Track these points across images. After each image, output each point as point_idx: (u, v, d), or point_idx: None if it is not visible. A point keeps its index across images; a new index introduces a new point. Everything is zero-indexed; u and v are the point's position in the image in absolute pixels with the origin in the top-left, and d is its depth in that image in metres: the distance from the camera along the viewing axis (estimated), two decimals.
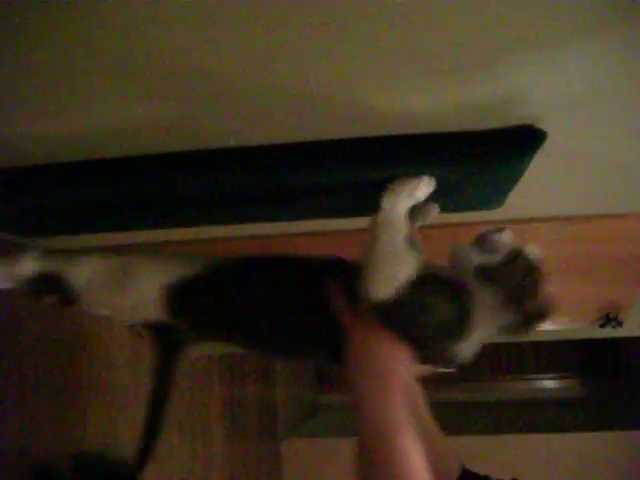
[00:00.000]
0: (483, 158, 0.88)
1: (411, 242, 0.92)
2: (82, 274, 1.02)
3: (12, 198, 1.02)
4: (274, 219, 1.21)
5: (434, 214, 1.03)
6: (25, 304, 1.31)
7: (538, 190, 1.15)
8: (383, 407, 0.84)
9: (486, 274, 0.88)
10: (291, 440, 3.49)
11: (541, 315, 0.87)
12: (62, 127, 0.83)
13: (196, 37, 0.63)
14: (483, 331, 0.89)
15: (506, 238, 0.90)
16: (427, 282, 0.88)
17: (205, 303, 1.01)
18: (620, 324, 1.94)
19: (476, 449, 3.03)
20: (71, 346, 1.66)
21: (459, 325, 0.88)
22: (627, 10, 0.61)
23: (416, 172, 0.89)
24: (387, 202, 0.89)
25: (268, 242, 1.42)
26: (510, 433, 3.60)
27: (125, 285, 1.01)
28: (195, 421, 2.37)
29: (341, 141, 0.88)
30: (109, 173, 0.95)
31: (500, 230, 0.90)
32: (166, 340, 1.07)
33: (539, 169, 0.96)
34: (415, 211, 0.97)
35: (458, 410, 3.98)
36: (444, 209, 1.04)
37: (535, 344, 4.19)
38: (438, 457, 0.97)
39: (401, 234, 0.89)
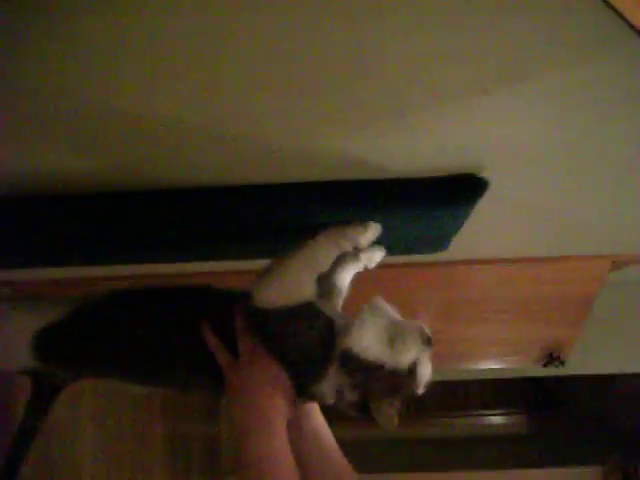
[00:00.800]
0: (426, 205, 0.90)
1: (328, 285, 0.96)
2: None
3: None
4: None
5: (379, 258, 1.03)
6: None
7: (482, 233, 1.17)
8: (260, 443, 0.86)
9: (347, 363, 0.88)
10: (234, 477, 3.42)
11: (374, 419, 0.88)
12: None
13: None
14: (329, 386, 0.89)
15: (414, 351, 0.88)
16: (310, 313, 0.89)
17: (74, 344, 1.00)
18: (562, 363, 1.98)
19: None
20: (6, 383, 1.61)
21: (318, 364, 0.88)
22: (568, 55, 0.62)
23: (361, 215, 0.90)
24: (322, 235, 0.90)
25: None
26: (456, 470, 3.59)
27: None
28: (136, 456, 2.31)
29: (289, 185, 0.89)
30: (81, 208, 0.94)
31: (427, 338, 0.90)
32: (43, 384, 1.06)
33: (482, 214, 0.98)
34: (362, 254, 0.99)
35: (403, 446, 3.96)
36: (389, 252, 1.05)
37: (481, 381, 4.22)
38: (332, 472, 0.98)
39: (316, 263, 0.89)
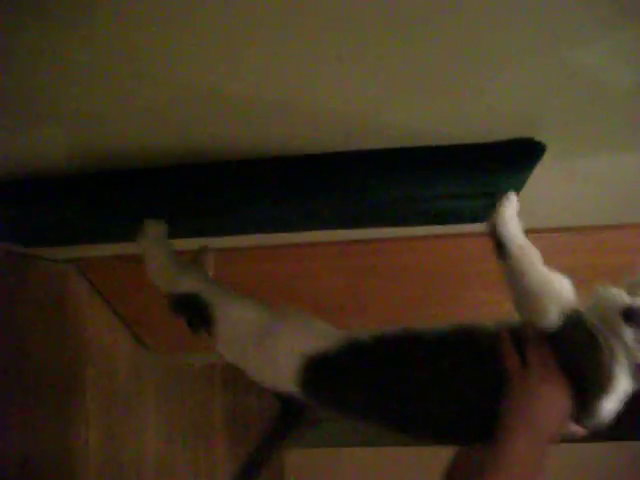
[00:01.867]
0: (483, 171, 0.88)
1: None
2: (231, 315, 0.98)
3: (18, 209, 1.03)
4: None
5: None
6: (29, 317, 1.31)
7: (538, 202, 1.15)
8: (527, 453, 0.83)
9: (636, 317, 0.85)
10: (294, 450, 3.47)
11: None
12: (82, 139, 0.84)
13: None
14: (623, 385, 0.87)
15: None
16: (581, 317, 0.88)
17: (346, 381, 0.94)
18: None
19: None
20: (75, 356, 1.67)
21: (610, 372, 0.85)
22: (628, 18, 0.61)
23: (414, 183, 0.90)
24: (502, 220, 0.89)
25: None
26: None
27: (263, 342, 0.95)
28: (198, 429, 2.37)
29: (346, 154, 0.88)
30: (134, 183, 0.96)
31: None
32: (293, 410, 1.02)
33: (538, 181, 0.96)
34: None
35: None
36: (446, 222, 1.04)
37: None
38: None
39: (536, 256, 0.89)
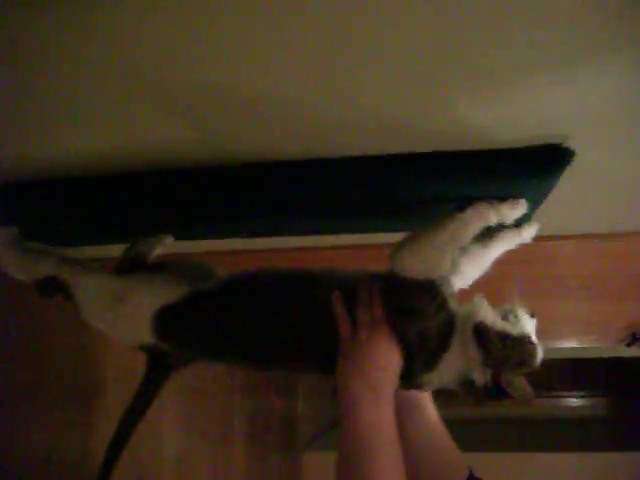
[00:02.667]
0: (511, 176, 0.88)
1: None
2: (86, 288, 1.07)
3: (41, 208, 1.05)
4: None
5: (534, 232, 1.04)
6: (49, 318, 1.32)
7: (565, 207, 1.14)
8: (369, 413, 0.87)
9: (483, 335, 0.90)
10: (311, 453, 3.48)
11: (507, 395, 0.90)
12: (95, 141, 0.85)
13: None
14: (447, 373, 0.92)
15: (529, 325, 0.92)
16: (437, 294, 0.91)
17: (193, 325, 1.03)
18: None
19: (500, 466, 3.00)
20: (96, 355, 1.68)
21: (436, 349, 0.91)
22: None
23: (443, 188, 0.89)
24: (473, 209, 0.90)
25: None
26: (534, 451, 3.55)
27: (119, 308, 1.04)
28: (217, 430, 2.38)
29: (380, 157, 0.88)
30: (149, 185, 0.97)
31: (531, 315, 0.94)
32: (158, 363, 1.09)
33: (566, 186, 0.96)
34: (524, 230, 1.02)
35: (481, 427, 3.93)
36: None
37: (561, 361, 4.14)
38: (442, 460, 0.99)
39: (461, 237, 0.90)
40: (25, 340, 1.41)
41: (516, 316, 0.92)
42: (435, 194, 0.92)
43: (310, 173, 0.91)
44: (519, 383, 0.91)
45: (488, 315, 0.92)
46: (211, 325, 1.03)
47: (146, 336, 1.03)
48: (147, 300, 1.03)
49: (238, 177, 0.93)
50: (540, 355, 0.92)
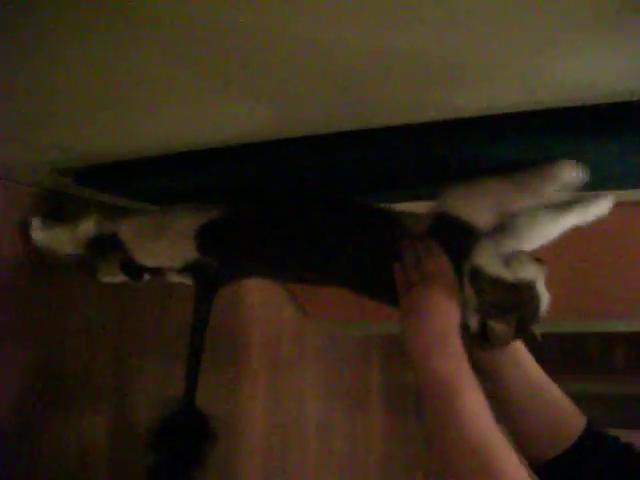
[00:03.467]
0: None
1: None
2: (129, 228, 1.16)
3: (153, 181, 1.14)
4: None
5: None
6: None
7: None
8: (445, 364, 0.83)
9: (475, 278, 0.90)
10: None
11: (491, 341, 0.90)
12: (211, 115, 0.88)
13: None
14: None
15: (533, 272, 0.89)
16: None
17: (233, 238, 1.09)
18: None
19: None
20: (244, 321, 1.77)
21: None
22: None
23: (572, 145, 0.85)
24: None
25: None
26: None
27: (165, 234, 1.12)
28: (355, 395, 2.44)
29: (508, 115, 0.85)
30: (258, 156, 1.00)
31: (539, 261, 0.90)
32: (204, 280, 1.16)
33: None
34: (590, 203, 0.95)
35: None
36: (599, 187, 0.98)
37: None
38: (552, 411, 0.96)
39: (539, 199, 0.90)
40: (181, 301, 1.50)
41: (520, 262, 0.88)
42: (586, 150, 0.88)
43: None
44: (499, 328, 0.89)
45: (487, 259, 0.89)
46: (249, 232, 1.08)
47: (191, 253, 1.10)
48: (188, 221, 1.10)
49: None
50: (543, 303, 0.88)
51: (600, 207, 0.95)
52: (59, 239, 1.20)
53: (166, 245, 1.13)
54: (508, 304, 0.89)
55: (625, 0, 0.56)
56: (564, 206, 0.94)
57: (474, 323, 0.91)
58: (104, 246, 1.20)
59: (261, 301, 1.85)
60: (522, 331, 0.91)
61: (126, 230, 1.16)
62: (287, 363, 2.00)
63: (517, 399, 0.97)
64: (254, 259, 1.11)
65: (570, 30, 0.61)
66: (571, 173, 0.86)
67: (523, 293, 0.88)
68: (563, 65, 0.70)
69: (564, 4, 0.56)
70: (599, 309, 1.75)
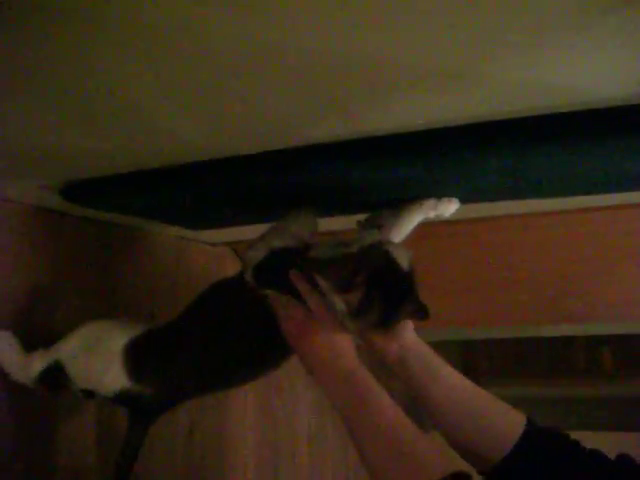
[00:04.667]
0: None
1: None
2: (69, 348, 1.09)
3: (185, 193, 1.11)
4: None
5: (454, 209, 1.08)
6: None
7: None
8: (340, 362, 0.94)
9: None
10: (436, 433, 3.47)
11: (374, 322, 0.93)
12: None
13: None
14: None
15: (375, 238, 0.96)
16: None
17: (158, 357, 1.07)
18: None
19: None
20: None
21: None
22: None
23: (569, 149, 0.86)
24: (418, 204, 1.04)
25: None
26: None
27: (94, 348, 1.07)
28: None
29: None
30: (273, 165, 1.00)
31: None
32: (138, 411, 1.10)
33: None
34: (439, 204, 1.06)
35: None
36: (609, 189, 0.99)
37: None
38: (484, 417, 0.96)
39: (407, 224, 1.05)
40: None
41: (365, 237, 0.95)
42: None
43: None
44: (371, 306, 0.91)
45: (319, 252, 0.97)
46: (171, 355, 1.07)
47: (122, 380, 1.05)
48: (112, 342, 1.07)
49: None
50: (402, 265, 0.91)
51: (448, 209, 1.07)
52: (16, 366, 1.11)
53: (97, 366, 1.06)
54: (363, 276, 0.89)
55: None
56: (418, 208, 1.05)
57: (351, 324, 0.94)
58: (54, 378, 1.10)
59: None
60: (400, 303, 0.93)
61: (66, 353, 1.08)
62: (277, 376, 1.99)
63: (444, 414, 0.98)
64: (183, 373, 1.08)
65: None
66: (435, 208, 1.04)
67: (372, 256, 0.91)
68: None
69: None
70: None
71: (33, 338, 1.14)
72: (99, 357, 1.06)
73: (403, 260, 0.92)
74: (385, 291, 0.90)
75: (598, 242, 1.42)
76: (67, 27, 0.58)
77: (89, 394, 1.10)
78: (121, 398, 1.07)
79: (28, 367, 1.09)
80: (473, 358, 4.22)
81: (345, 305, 0.91)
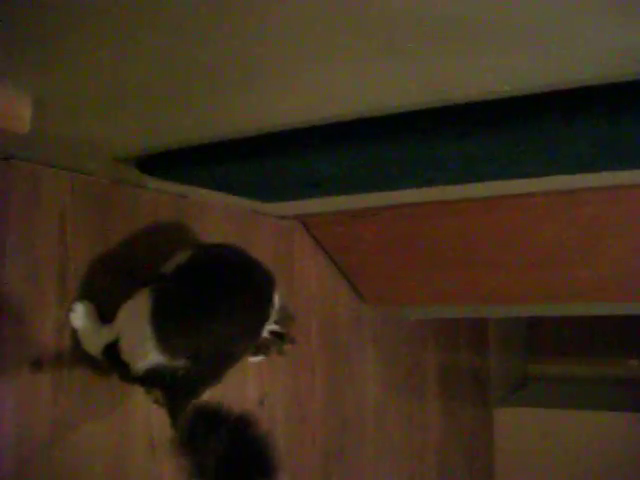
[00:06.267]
0: None
1: None
2: (119, 323, 1.10)
3: (252, 164, 1.10)
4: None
5: None
6: None
7: None
8: None
9: None
10: (502, 409, 3.45)
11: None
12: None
13: None
14: None
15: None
16: None
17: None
18: None
19: None
20: (302, 306, 1.76)
21: None
22: None
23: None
24: None
25: None
26: None
27: (133, 322, 1.08)
28: (411, 380, 2.43)
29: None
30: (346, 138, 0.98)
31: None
32: (172, 390, 1.07)
33: None
34: None
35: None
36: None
37: None
38: None
39: None
40: None
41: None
42: None
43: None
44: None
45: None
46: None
47: (154, 352, 1.04)
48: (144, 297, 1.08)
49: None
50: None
51: None
52: (89, 337, 1.14)
53: (135, 340, 1.06)
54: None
55: None
56: None
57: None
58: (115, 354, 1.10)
59: (318, 288, 1.85)
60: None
61: (117, 324, 1.10)
62: (345, 349, 1.99)
63: None
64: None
65: None
66: None
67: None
68: None
69: None
70: None
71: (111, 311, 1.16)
72: (136, 331, 1.06)
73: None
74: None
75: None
76: None
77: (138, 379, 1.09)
78: (155, 375, 1.05)
79: (97, 339, 1.12)
80: (537, 337, 4.16)
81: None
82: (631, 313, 1.96)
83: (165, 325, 1.06)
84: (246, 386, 1.54)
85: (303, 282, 1.78)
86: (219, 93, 0.85)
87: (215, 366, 1.11)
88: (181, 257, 1.19)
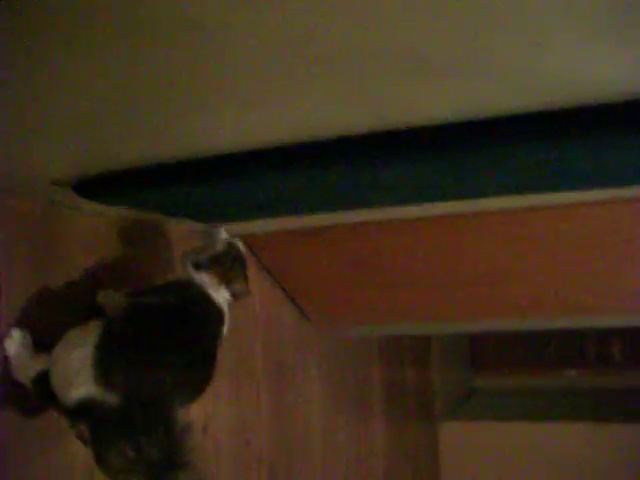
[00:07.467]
0: None
1: None
2: (53, 352, 1.07)
3: (193, 187, 1.09)
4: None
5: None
6: None
7: None
8: None
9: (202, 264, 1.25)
10: (448, 423, 3.48)
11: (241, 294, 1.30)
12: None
13: None
14: None
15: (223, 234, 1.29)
16: None
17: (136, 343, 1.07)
18: None
19: None
20: (246, 329, 1.74)
21: None
22: None
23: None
24: None
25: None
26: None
27: (70, 352, 1.05)
28: (358, 402, 2.43)
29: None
30: (290, 161, 0.98)
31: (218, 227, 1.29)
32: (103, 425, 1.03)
33: None
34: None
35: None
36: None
37: None
38: None
39: None
40: None
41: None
42: None
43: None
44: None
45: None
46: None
47: (86, 382, 1.01)
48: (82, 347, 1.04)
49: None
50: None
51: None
52: (22, 365, 1.10)
53: (68, 368, 1.03)
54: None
55: None
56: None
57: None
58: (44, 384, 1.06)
59: (262, 310, 1.83)
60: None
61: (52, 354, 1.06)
62: (290, 371, 1.98)
63: None
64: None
65: None
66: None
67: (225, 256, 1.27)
68: None
69: None
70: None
71: (45, 338, 1.12)
72: (75, 360, 1.03)
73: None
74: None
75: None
76: None
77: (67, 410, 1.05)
78: (86, 409, 1.01)
79: (29, 366, 1.09)
80: (481, 351, 4.23)
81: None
82: (567, 326, 2.01)
83: (107, 357, 1.03)
84: (188, 413, 1.51)
85: (247, 304, 1.76)
86: (161, 117, 0.84)
87: (151, 413, 1.05)
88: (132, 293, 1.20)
